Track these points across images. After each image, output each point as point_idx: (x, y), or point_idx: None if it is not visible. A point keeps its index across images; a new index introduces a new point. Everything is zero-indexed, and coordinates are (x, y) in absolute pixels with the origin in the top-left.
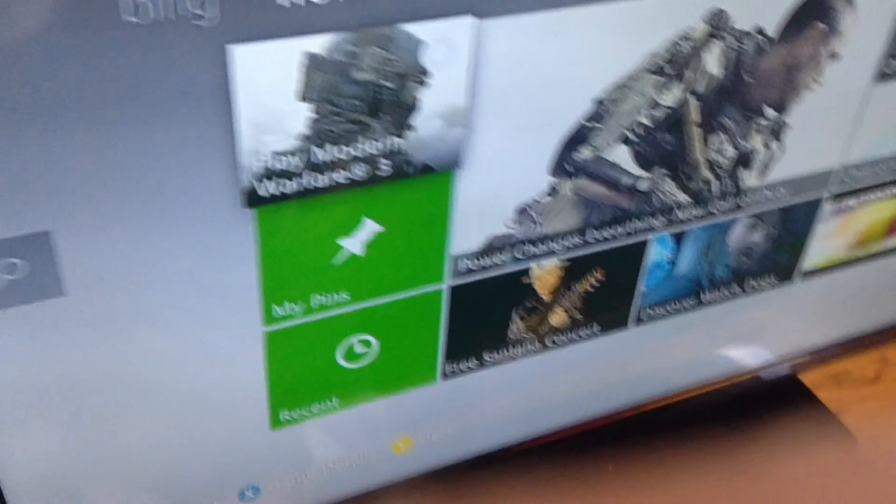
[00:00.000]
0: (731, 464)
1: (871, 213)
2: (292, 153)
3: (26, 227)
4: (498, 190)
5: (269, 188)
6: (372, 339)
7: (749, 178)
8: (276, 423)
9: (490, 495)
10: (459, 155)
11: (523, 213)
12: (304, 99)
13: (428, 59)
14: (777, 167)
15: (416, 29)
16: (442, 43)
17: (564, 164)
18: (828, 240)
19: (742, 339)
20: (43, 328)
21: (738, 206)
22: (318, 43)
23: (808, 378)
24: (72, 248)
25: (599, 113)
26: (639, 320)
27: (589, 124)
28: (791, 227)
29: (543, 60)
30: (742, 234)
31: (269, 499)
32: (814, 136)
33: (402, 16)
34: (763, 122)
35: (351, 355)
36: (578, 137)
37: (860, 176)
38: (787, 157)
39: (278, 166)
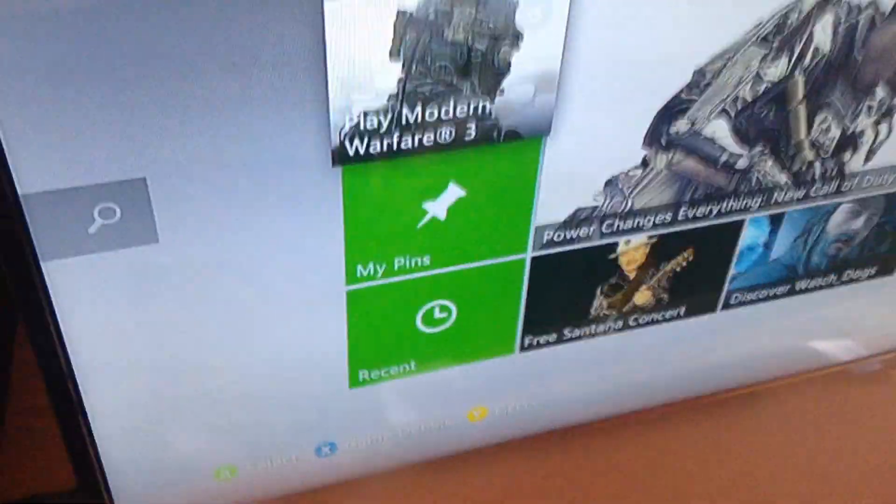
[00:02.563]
0: (813, 462)
1: None
2: (381, 112)
3: (124, 173)
4: (587, 160)
5: (357, 147)
6: (451, 305)
7: (854, 162)
8: (354, 381)
9: (563, 470)
10: (549, 122)
11: (612, 185)
12: (394, 58)
13: (522, 20)
14: (887, 153)
15: None
16: (538, 2)
17: (659, 137)
18: None
19: (834, 330)
20: (136, 274)
21: (840, 191)
22: (411, 0)
23: None
24: (166, 197)
25: (699, 84)
26: (727, 305)
27: (687, 95)
28: (895, 216)
29: (643, 25)
30: (843, 220)
31: (344, 456)
32: None
33: None
34: (873, 102)
35: (430, 320)
36: (675, 109)
37: None
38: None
39: (367, 125)
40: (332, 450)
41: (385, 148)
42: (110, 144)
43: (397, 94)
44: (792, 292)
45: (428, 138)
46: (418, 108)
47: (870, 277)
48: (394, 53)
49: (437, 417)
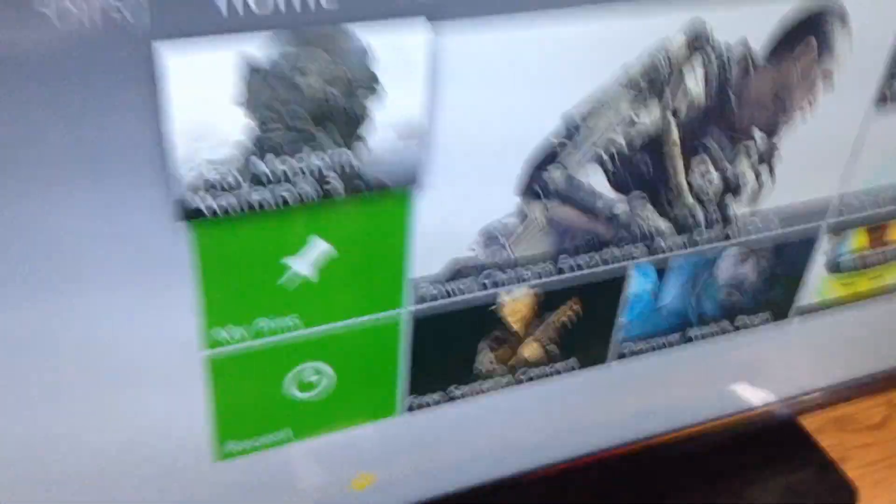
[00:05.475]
0: None
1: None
2: (229, 163)
3: None
4: (461, 210)
5: (204, 200)
6: (326, 367)
7: (738, 207)
8: (223, 454)
9: None
10: (417, 172)
11: (489, 236)
12: (240, 104)
13: (379, 66)
14: (769, 195)
15: (364, 31)
16: (393, 48)
17: (533, 185)
18: (827, 274)
19: (735, 378)
20: None
21: (727, 236)
22: (256, 45)
23: (810, 421)
24: (3, 264)
25: (570, 130)
26: (620, 355)
27: (558, 142)
28: (785, 260)
29: (507, 73)
30: (731, 266)
31: None
32: (809, 163)
33: (349, 16)
34: (752, 147)
35: (303, 384)
36: (547, 156)
37: (859, 206)
38: (780, 185)
39: (214, 176)
40: None
41: (237, 202)
42: None
43: (246, 143)
44: (685, 340)
45: (285, 190)
46: (272, 159)
47: (764, 322)
48: (241, 102)
49: (320, 487)
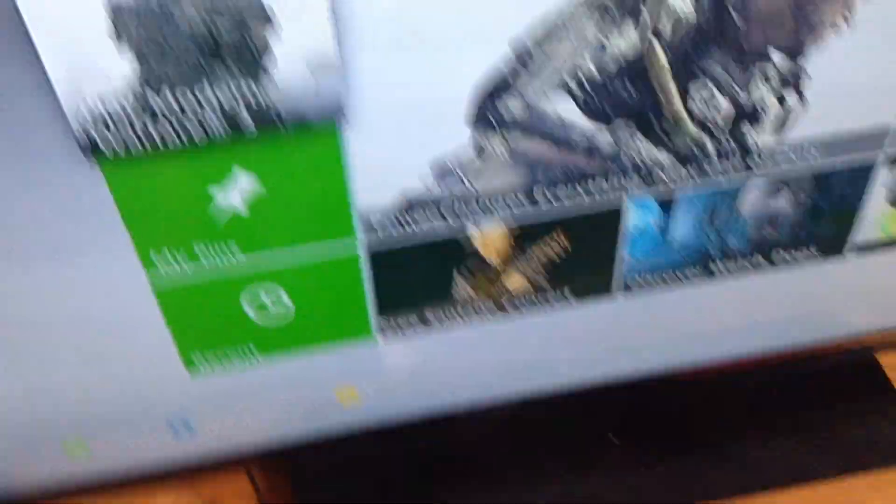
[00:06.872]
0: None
1: None
2: (122, 97)
3: None
4: (403, 142)
5: (104, 136)
6: (280, 290)
7: (759, 136)
8: (190, 364)
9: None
10: (339, 104)
11: (442, 168)
12: (115, 39)
13: None
14: (802, 123)
15: None
16: None
17: (486, 115)
18: (890, 209)
19: (789, 312)
20: None
21: (747, 167)
22: None
23: (891, 358)
24: None
25: (521, 57)
26: (626, 287)
27: (509, 70)
28: (833, 193)
29: None
30: (759, 199)
31: (204, 438)
32: (856, 85)
33: None
34: (770, 69)
35: (260, 306)
36: (498, 85)
37: None
38: (819, 111)
39: (108, 111)
40: (190, 431)
41: (139, 136)
42: None
43: (134, 76)
44: (711, 275)
45: (189, 124)
46: (166, 93)
47: (810, 258)
48: (114, 36)
49: (302, 397)
